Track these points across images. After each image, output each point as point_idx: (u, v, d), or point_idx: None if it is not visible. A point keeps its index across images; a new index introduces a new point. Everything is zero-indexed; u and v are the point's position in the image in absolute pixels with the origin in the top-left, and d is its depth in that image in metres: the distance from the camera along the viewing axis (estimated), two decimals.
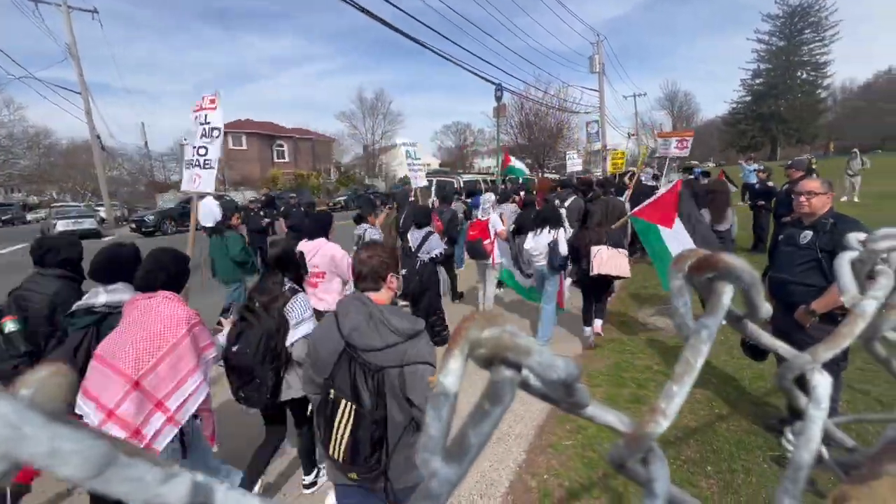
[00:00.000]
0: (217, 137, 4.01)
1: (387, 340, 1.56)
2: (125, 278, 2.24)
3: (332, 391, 1.60)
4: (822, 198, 2.62)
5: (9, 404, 0.12)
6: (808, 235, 2.62)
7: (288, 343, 2.29)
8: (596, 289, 4.62)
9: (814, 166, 12.40)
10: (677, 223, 4.06)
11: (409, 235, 4.61)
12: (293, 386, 2.36)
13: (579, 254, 4.49)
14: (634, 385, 3.72)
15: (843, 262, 0.31)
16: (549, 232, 4.35)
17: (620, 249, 4.34)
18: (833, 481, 0.35)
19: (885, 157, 31.09)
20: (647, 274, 7.50)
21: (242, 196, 27.37)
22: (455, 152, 55.67)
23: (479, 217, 5.48)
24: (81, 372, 1.95)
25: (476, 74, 14.02)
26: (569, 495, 2.56)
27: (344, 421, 1.56)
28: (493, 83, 13.99)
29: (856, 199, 12.54)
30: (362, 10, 8.23)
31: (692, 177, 10.52)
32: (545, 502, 2.52)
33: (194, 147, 4.05)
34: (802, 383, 0.28)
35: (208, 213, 6.62)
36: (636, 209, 4.46)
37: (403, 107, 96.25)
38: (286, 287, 2.38)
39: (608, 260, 4.26)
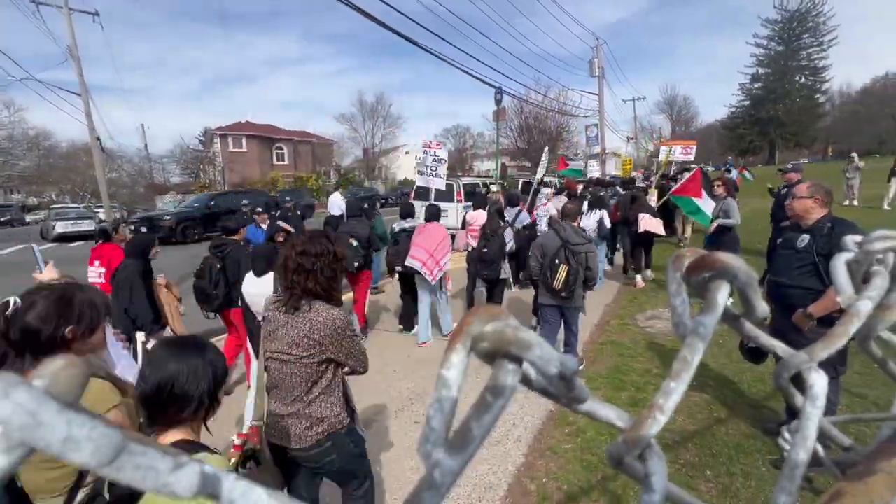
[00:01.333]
0: (443, 163, 7.59)
1: (581, 240, 3.79)
2: (412, 215, 5.32)
3: (556, 260, 3.73)
4: (805, 201, 2.63)
5: (26, 392, 0.12)
6: (805, 239, 2.62)
7: (507, 249, 5.09)
8: (641, 244, 7.05)
9: None
10: (704, 195, 6.15)
11: (505, 212, 6.32)
12: (507, 272, 5.14)
13: (628, 221, 6.95)
14: (633, 388, 3.72)
15: (839, 263, 0.31)
16: (597, 212, 6.37)
17: (656, 218, 6.76)
18: (829, 481, 0.35)
19: (883, 161, 31.16)
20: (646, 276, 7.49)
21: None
22: (455, 155, 55.76)
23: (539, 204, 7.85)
24: (407, 251, 4.76)
25: (476, 77, 14.06)
26: (567, 498, 2.56)
27: (562, 273, 3.70)
28: (492, 86, 14.03)
29: (855, 203, 12.57)
30: (358, 10, 8.26)
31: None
32: None
33: (427, 165, 7.54)
34: (800, 384, 0.29)
35: (334, 204, 10.40)
36: (674, 189, 6.79)
37: (403, 109, 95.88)
38: (502, 224, 5.25)
39: (650, 221, 6.60)
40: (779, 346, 0.27)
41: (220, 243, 4.20)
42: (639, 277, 6.96)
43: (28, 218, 29.69)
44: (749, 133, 50.78)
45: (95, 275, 4.26)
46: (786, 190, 6.06)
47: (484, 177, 16.87)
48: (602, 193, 7.35)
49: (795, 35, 48.43)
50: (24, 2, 16.77)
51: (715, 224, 5.60)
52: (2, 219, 28.92)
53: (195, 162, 38.89)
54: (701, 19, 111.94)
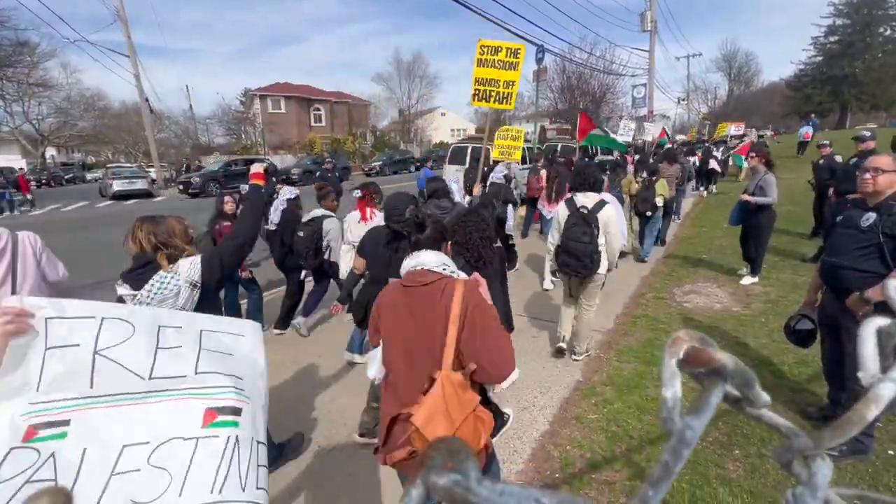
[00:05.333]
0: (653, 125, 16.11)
1: (685, 161, 10.10)
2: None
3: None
4: (892, 176, 2.39)
5: None
6: (870, 217, 2.41)
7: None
8: (708, 176, 12.96)
9: None
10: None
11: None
12: None
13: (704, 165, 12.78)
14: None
15: (869, 331, 0.28)
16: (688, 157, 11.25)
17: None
18: None
19: None
20: (685, 251, 7.24)
21: (281, 160, 27.89)
22: (492, 117, 53.94)
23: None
24: None
25: (517, 35, 13.37)
26: (590, 466, 2.61)
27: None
28: (534, 44, 13.31)
29: None
30: None
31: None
32: (566, 471, 2.59)
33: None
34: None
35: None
36: (736, 150, 13.80)
37: (441, 69, 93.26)
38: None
39: (714, 164, 12.82)
40: (782, 425, 0.26)
41: None
42: (705, 193, 12.69)
43: (88, 176, 31.66)
44: (818, 93, 45.79)
45: None
46: (854, 160, 5.53)
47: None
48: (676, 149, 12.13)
49: None
50: None
51: (747, 198, 5.12)
52: (66, 176, 31.06)
53: (237, 123, 39.74)
54: None
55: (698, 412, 0.21)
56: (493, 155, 6.79)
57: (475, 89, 4.74)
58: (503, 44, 4.57)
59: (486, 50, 4.56)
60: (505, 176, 6.32)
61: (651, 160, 9.13)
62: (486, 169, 6.21)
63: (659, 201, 6.34)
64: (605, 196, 3.64)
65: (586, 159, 12.29)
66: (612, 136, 12.39)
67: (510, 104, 4.77)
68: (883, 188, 2.40)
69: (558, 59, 24.98)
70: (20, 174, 19.39)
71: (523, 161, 12.81)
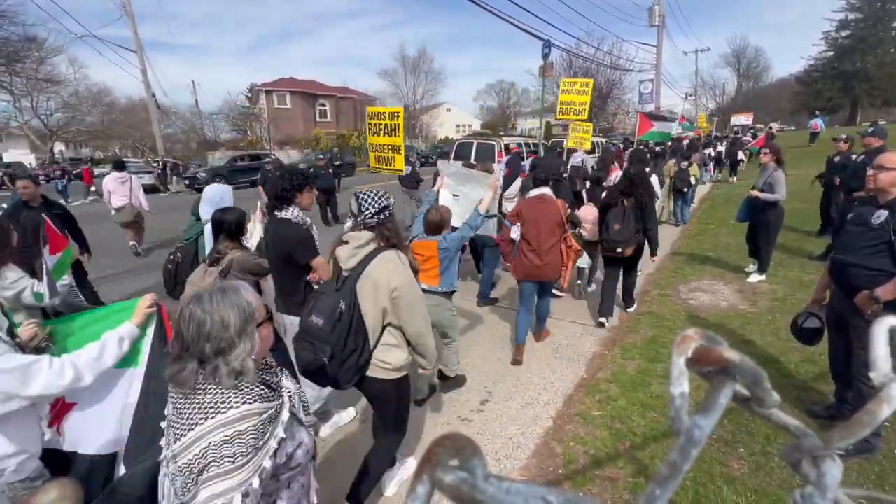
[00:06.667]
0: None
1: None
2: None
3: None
4: (894, 174, 2.35)
5: None
6: (882, 215, 2.38)
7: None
8: (735, 163, 15.25)
9: None
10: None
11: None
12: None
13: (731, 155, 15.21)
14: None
15: (881, 330, 0.27)
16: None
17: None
18: None
19: None
20: (691, 249, 7.20)
21: (287, 156, 27.93)
22: (497, 112, 53.79)
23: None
24: None
25: (523, 30, 13.29)
26: (593, 463, 2.61)
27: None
28: (541, 39, 13.21)
29: None
30: None
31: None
32: (569, 468, 2.59)
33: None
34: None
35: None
36: (753, 142, 14.52)
37: (446, 65, 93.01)
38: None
39: (741, 155, 15.57)
40: (792, 424, 0.25)
41: None
42: (730, 179, 14.59)
43: (96, 171, 31.81)
44: (829, 89, 44.98)
45: None
46: (862, 157, 5.44)
47: (527, 136, 16.28)
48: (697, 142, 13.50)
49: None
50: None
51: (756, 194, 5.01)
52: (74, 171, 31.30)
53: (243, 118, 39.81)
54: None
55: (707, 411, 0.21)
56: (569, 144, 8.68)
57: (561, 107, 7.26)
58: (578, 80, 6.94)
59: (567, 83, 7.05)
60: (582, 160, 8.78)
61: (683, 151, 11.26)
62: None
63: (693, 180, 8.78)
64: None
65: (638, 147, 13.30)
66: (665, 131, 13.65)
67: (585, 115, 7.30)
68: (884, 185, 2.37)
69: (565, 55, 24.80)
70: (85, 167, 21.25)
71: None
